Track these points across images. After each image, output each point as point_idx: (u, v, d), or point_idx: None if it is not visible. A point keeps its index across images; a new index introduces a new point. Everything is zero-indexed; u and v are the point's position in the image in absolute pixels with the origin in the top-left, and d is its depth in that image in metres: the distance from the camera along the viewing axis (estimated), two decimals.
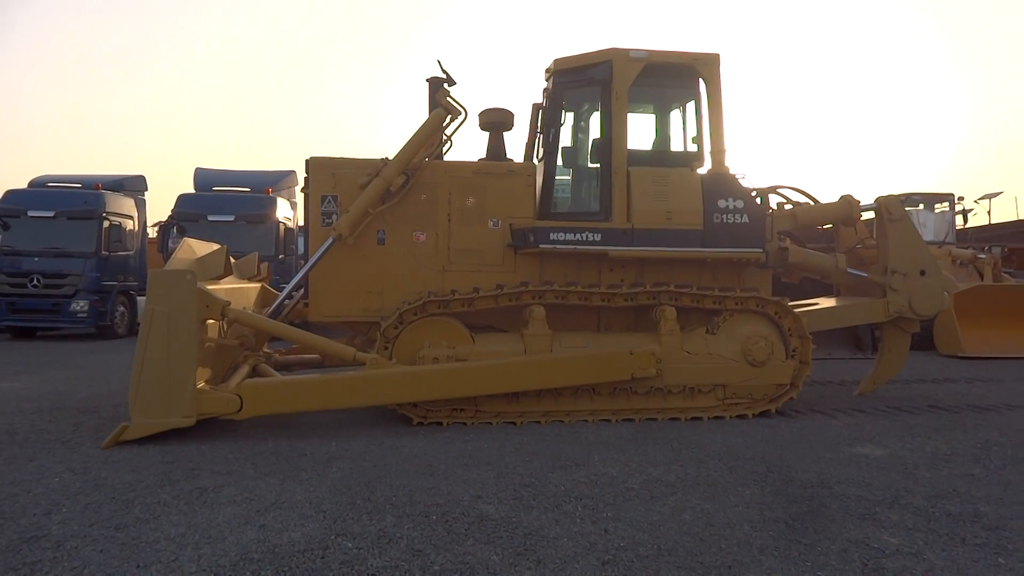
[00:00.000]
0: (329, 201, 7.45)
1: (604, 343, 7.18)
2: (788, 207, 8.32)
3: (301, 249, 17.98)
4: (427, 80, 7.86)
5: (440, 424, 6.87)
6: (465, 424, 6.90)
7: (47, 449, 5.88)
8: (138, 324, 16.90)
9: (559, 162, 7.83)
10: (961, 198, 16.58)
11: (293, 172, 18.50)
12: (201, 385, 6.16)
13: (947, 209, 16.47)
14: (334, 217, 7.41)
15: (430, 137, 7.40)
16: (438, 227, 7.57)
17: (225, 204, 16.15)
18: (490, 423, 6.92)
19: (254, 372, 7.46)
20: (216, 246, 7.88)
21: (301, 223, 19.11)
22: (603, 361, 6.93)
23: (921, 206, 16.25)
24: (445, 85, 7.60)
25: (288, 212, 17.31)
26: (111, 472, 5.19)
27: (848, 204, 8.25)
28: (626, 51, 7.56)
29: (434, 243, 7.56)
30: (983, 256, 14.47)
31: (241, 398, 6.17)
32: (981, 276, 14.33)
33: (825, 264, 8.26)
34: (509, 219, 7.62)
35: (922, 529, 4.18)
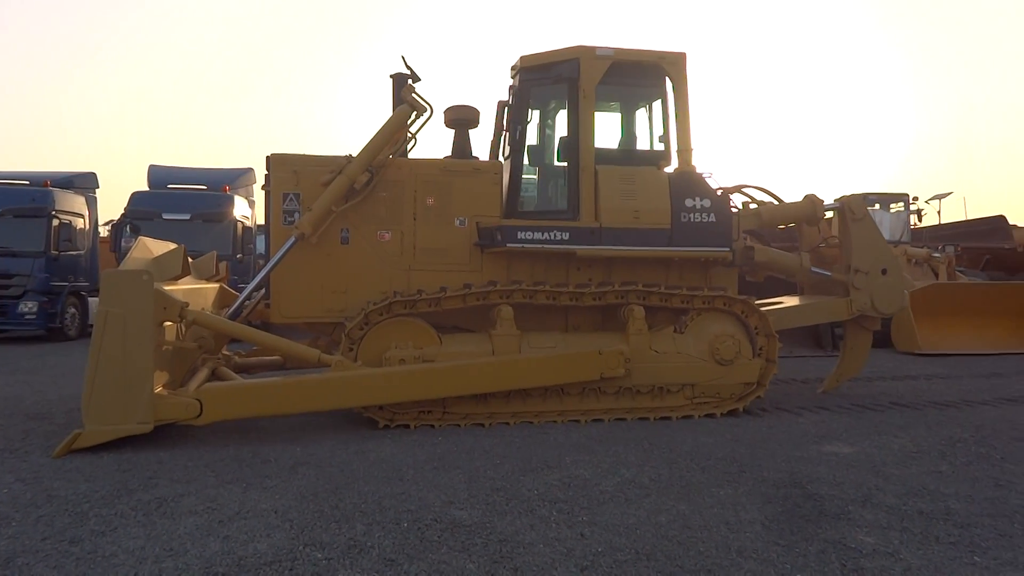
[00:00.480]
0: (291, 199, 7.26)
1: (572, 343, 7.12)
2: (753, 206, 8.34)
3: (260, 248, 17.68)
4: (391, 76, 7.71)
5: (407, 427, 6.73)
6: (433, 426, 6.77)
7: None
8: (90, 326, 16.61)
9: (525, 160, 7.74)
10: (915, 198, 16.94)
11: (251, 170, 18.13)
12: (159, 390, 5.94)
13: (902, 209, 16.79)
14: (296, 215, 7.21)
15: (395, 134, 7.25)
16: (403, 226, 7.42)
17: (181, 202, 15.73)
18: (458, 425, 6.81)
19: (213, 375, 7.22)
20: (172, 245, 7.64)
21: (260, 222, 18.79)
22: (572, 361, 6.86)
23: (877, 206, 16.53)
24: (410, 81, 7.47)
25: (246, 210, 16.95)
26: (64, 482, 4.96)
27: (812, 203, 8.31)
28: (592, 49, 7.50)
29: (399, 242, 7.42)
30: (937, 255, 14.77)
31: (201, 402, 5.96)
32: (936, 275, 14.62)
33: (790, 263, 8.31)
34: (475, 218, 7.51)
35: (896, 528, 4.18)
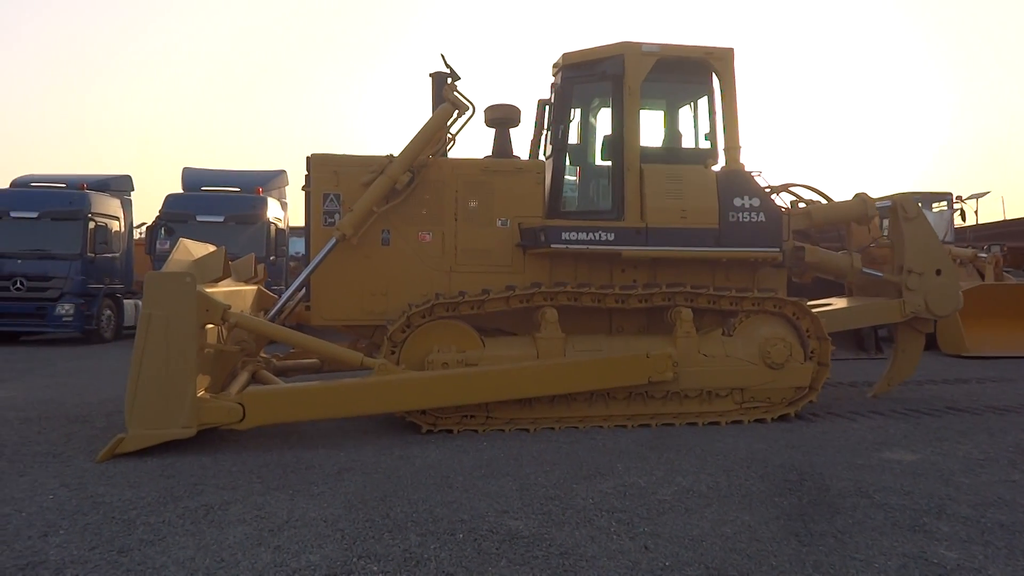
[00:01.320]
0: (331, 200, 7.16)
1: (618, 346, 6.94)
2: (801, 206, 8.11)
3: (292, 250, 17.69)
4: (430, 75, 7.59)
5: (450, 432, 6.59)
6: (476, 431, 6.62)
7: (38, 463, 5.55)
8: (126, 328, 16.72)
9: (568, 160, 7.59)
10: (959, 197, 16.51)
11: (283, 172, 18.14)
12: (201, 393, 5.85)
13: (945, 208, 16.37)
14: (336, 216, 7.11)
15: (436, 133, 7.12)
16: (444, 226, 7.30)
17: (214, 204, 15.76)
18: (502, 430, 6.66)
19: (253, 378, 7.16)
20: (212, 247, 7.58)
21: (291, 224, 18.82)
22: (619, 365, 6.68)
23: (919, 205, 16.09)
24: (449, 80, 7.34)
25: (279, 212, 16.95)
26: (109, 488, 4.88)
27: (863, 203, 8.06)
28: (638, 45, 7.32)
29: (440, 243, 7.29)
30: (984, 255, 14.36)
31: (244, 407, 5.87)
32: (982, 276, 14.21)
33: (840, 264, 8.05)
34: (518, 218, 7.36)
35: (978, 541, 3.96)
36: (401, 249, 7.21)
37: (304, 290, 7.35)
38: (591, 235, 7.03)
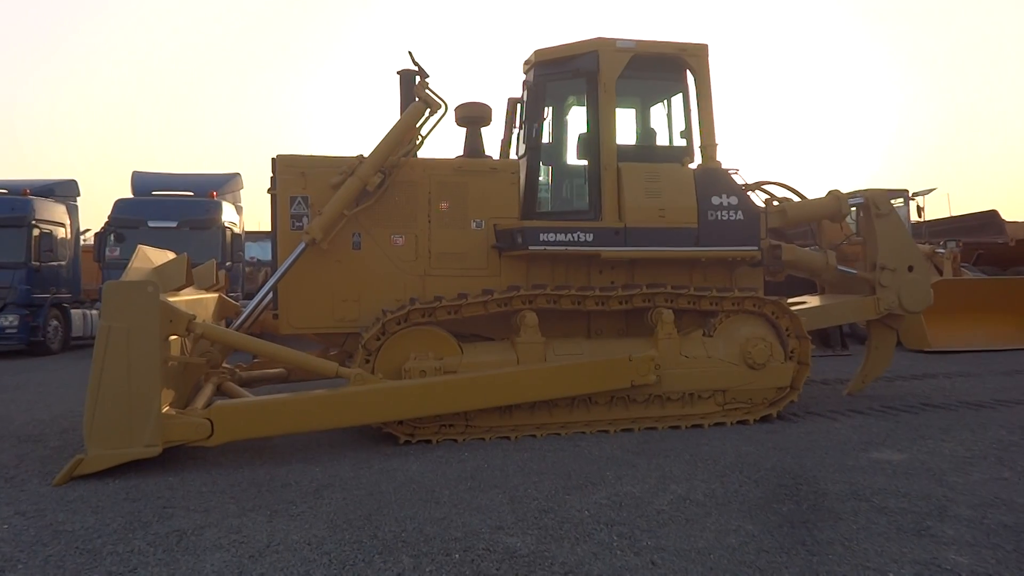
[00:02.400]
0: (299, 202, 6.86)
1: (599, 349, 6.77)
2: (775, 203, 8.05)
3: (247, 255, 17.19)
4: (398, 73, 7.34)
5: (429, 442, 6.35)
6: (456, 441, 6.40)
7: None
8: (73, 339, 16.04)
9: (542, 159, 7.40)
10: (915, 194, 16.77)
11: (238, 175, 17.61)
12: (166, 409, 5.51)
13: (902, 204, 16.60)
14: (305, 220, 6.82)
15: (407, 132, 6.87)
16: (417, 229, 7.05)
17: (167, 209, 15.19)
18: (483, 439, 6.44)
19: (218, 391, 6.83)
20: (171, 254, 7.23)
21: (248, 228, 18.31)
22: (602, 369, 6.51)
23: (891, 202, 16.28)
24: (418, 78, 7.09)
25: (234, 216, 16.43)
26: (70, 515, 4.53)
27: (836, 199, 8.04)
28: (612, 41, 7.18)
29: (413, 246, 7.04)
30: (941, 251, 14.60)
31: (212, 422, 5.55)
32: (940, 271, 14.43)
33: (816, 262, 8.03)
34: (493, 220, 7.16)
35: (985, 544, 3.88)
36: (373, 253, 6.94)
37: (270, 298, 7.03)
38: (569, 236, 6.85)
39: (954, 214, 26.62)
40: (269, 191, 6.99)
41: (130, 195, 16.00)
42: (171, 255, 7.33)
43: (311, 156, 6.96)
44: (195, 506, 4.68)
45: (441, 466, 5.62)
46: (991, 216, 20.25)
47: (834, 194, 8.10)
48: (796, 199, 8.17)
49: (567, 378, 6.45)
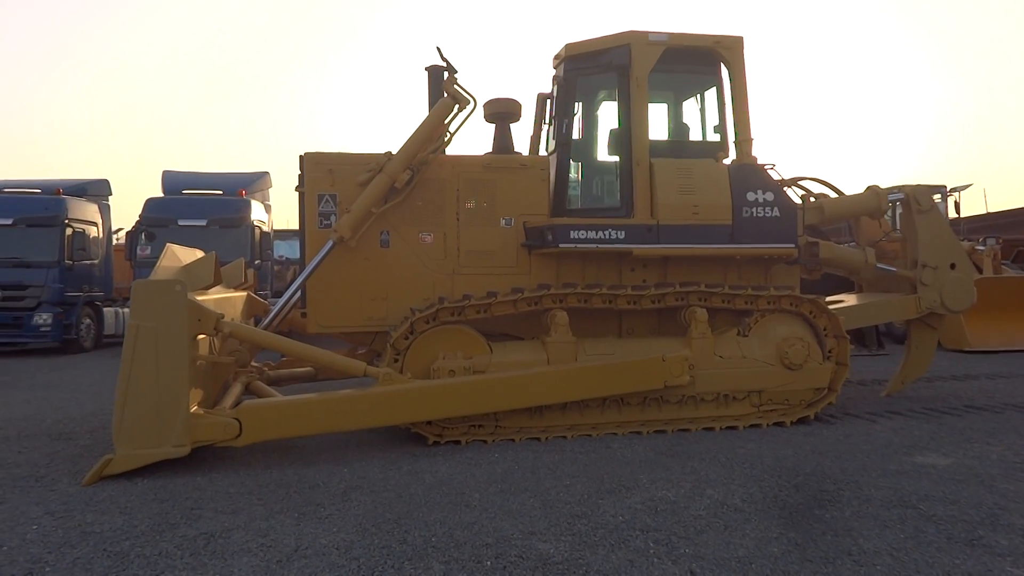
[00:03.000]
0: (327, 200, 6.80)
1: (631, 349, 6.63)
2: (811, 200, 7.84)
3: (276, 253, 17.24)
4: (426, 69, 7.23)
5: (458, 443, 6.26)
6: (485, 442, 6.29)
7: (19, 487, 5.15)
8: (105, 337, 16.20)
9: (572, 155, 7.27)
10: (953, 190, 16.37)
11: (267, 173, 17.69)
12: (194, 409, 5.47)
13: (940, 200, 16.21)
14: (333, 218, 6.76)
15: (437, 129, 6.77)
16: (446, 227, 6.96)
17: (196, 208, 15.28)
18: (512, 440, 6.33)
19: (247, 390, 6.79)
20: (200, 252, 7.20)
21: (276, 227, 18.38)
22: (635, 369, 6.37)
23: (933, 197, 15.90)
24: (447, 73, 6.99)
25: (262, 215, 16.49)
26: (98, 515, 4.49)
27: (876, 195, 7.81)
28: (645, 34, 7.03)
29: (442, 244, 6.95)
30: (981, 248, 14.22)
31: (240, 422, 5.49)
32: (979, 269, 14.05)
33: (855, 259, 7.80)
34: (522, 217, 7.04)
35: None
36: (401, 251, 6.86)
37: (297, 296, 6.97)
38: (600, 233, 6.71)
39: (990, 210, 26.07)
40: (297, 189, 6.94)
41: (160, 194, 16.10)
42: (200, 253, 7.31)
43: (339, 153, 6.90)
44: (223, 507, 4.62)
45: (471, 468, 5.52)
46: None
47: (873, 190, 7.87)
48: (833, 195, 7.97)
49: (599, 378, 6.32)
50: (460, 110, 6.80)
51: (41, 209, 15.13)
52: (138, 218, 15.18)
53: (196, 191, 16.10)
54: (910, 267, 7.85)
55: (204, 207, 15.31)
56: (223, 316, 5.67)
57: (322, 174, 6.79)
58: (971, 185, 19.62)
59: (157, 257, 14.73)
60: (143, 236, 14.90)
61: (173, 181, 16.32)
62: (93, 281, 16.23)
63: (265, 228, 16.42)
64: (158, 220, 14.99)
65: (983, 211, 25.80)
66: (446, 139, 6.90)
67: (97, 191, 16.97)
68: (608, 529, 4.14)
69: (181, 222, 14.90)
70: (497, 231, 7.02)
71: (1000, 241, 15.49)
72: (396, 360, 6.26)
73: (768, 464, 5.49)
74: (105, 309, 16.58)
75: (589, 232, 6.70)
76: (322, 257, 6.47)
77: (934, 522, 4.20)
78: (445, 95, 6.79)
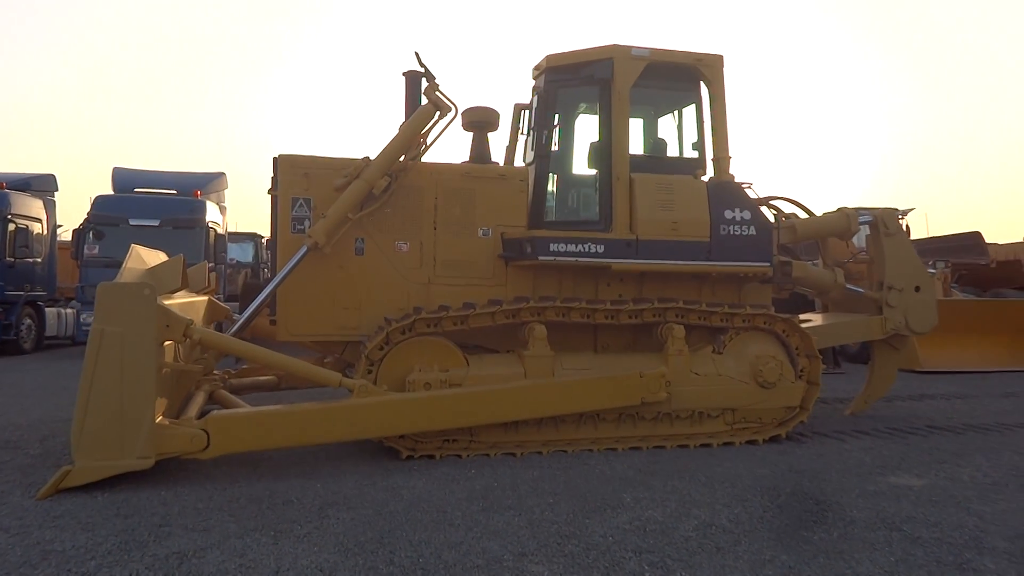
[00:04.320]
0: (301, 204, 6.60)
1: (608, 365, 6.57)
2: (784, 219, 7.92)
3: (230, 256, 16.80)
4: (404, 74, 7.08)
5: (432, 457, 6.10)
6: (460, 456, 6.15)
7: None
8: (46, 338, 15.53)
9: (551, 167, 7.20)
10: (905, 212, 16.79)
11: (223, 174, 17.22)
12: (159, 419, 5.22)
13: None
14: (307, 223, 6.56)
15: (416, 135, 6.63)
16: (423, 235, 6.82)
17: (149, 207, 14.77)
18: (487, 455, 6.21)
19: (210, 399, 6.54)
20: (162, 255, 6.94)
21: (231, 229, 17.91)
22: (613, 385, 6.31)
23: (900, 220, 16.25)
24: (424, 80, 6.86)
25: (217, 216, 16.04)
26: (57, 532, 4.23)
27: (846, 217, 7.92)
28: (627, 48, 7.01)
29: (418, 253, 6.80)
30: (932, 271, 14.59)
31: (208, 433, 5.25)
32: None
33: (824, 280, 7.90)
34: (500, 228, 6.94)
35: None
36: (376, 259, 6.69)
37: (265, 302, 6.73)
38: (580, 247, 6.65)
39: (931, 235, 26.89)
40: (270, 192, 6.72)
41: (110, 191, 15.54)
42: (163, 255, 7.03)
43: (314, 157, 6.71)
44: (193, 524, 4.40)
45: (448, 484, 5.37)
46: (974, 237, 20.37)
47: (844, 211, 7.98)
48: (803, 215, 8.06)
49: (578, 394, 6.24)
50: (441, 117, 6.67)
51: None
52: (87, 216, 14.61)
53: (149, 189, 15.57)
54: (876, 288, 7.98)
55: (157, 206, 14.82)
56: (192, 322, 5.43)
57: (297, 177, 6.59)
58: (914, 209, 20.20)
59: (106, 257, 14.27)
60: (91, 234, 14.35)
61: (124, 178, 15.75)
62: (35, 280, 15.57)
63: (220, 230, 15.98)
64: (108, 218, 14.46)
65: (924, 235, 26.62)
66: (425, 146, 6.77)
67: (42, 186, 16.30)
68: (600, 550, 4.05)
69: (133, 221, 14.40)
70: (474, 241, 6.90)
71: (949, 264, 15.96)
72: (370, 371, 6.09)
73: (748, 483, 5.47)
74: (47, 309, 15.93)
75: (568, 245, 6.63)
76: (295, 263, 6.26)
77: (921, 545, 4.21)
78: (426, 101, 6.65)
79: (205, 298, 7.71)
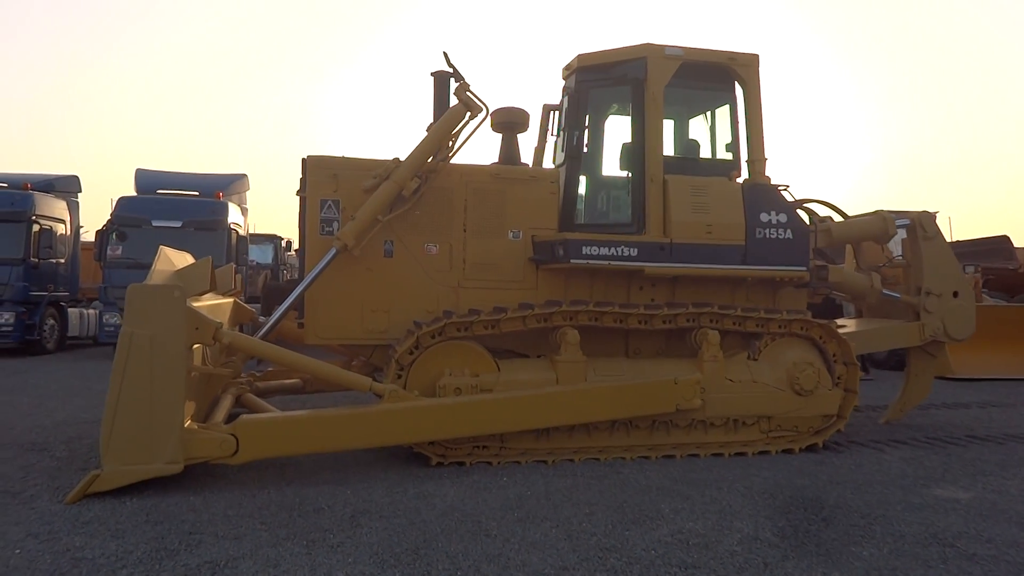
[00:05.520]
0: (329, 206, 6.50)
1: (641, 370, 6.43)
2: (819, 222, 7.73)
3: (251, 258, 16.78)
4: (432, 75, 6.98)
5: (462, 464, 5.98)
6: (490, 463, 6.03)
7: None
8: (68, 339, 15.56)
9: (582, 168, 7.07)
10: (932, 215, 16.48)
11: (244, 176, 17.22)
12: (188, 424, 5.13)
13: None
14: (335, 225, 6.46)
15: (447, 136, 6.52)
16: (452, 238, 6.70)
17: (172, 208, 14.75)
18: (518, 462, 6.08)
19: (237, 402, 6.46)
20: (189, 256, 6.87)
21: (252, 231, 17.90)
22: (647, 392, 6.17)
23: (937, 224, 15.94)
24: (452, 80, 6.76)
25: (239, 218, 16.02)
26: (86, 538, 4.15)
27: (883, 220, 7.72)
28: (661, 47, 6.86)
29: (447, 256, 6.69)
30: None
31: (237, 438, 5.16)
32: None
33: (861, 284, 7.71)
34: (531, 230, 6.82)
35: None
36: (405, 262, 6.59)
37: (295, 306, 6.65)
38: (613, 250, 6.51)
39: (956, 239, 26.49)
40: (298, 193, 6.63)
41: (133, 193, 15.54)
42: (189, 258, 6.98)
43: (343, 158, 6.61)
44: (224, 532, 4.30)
45: (481, 492, 5.25)
46: (1002, 241, 20.01)
47: (881, 214, 7.79)
48: (838, 218, 7.88)
49: (612, 400, 6.10)
50: (472, 118, 6.56)
51: (7, 204, 14.51)
52: (109, 217, 14.62)
53: (171, 191, 15.57)
54: (913, 294, 7.79)
55: (180, 208, 14.81)
56: (221, 325, 5.34)
57: (325, 179, 6.50)
58: (938, 212, 19.88)
59: (129, 258, 14.28)
60: (115, 236, 14.36)
61: (147, 180, 15.76)
62: (58, 280, 15.63)
63: (241, 232, 15.96)
64: (131, 220, 14.45)
65: (950, 239, 26.20)
66: (455, 147, 6.66)
67: (66, 187, 16.37)
68: (643, 564, 3.91)
69: (155, 222, 14.38)
70: (504, 244, 6.78)
71: (979, 269, 15.66)
72: (399, 376, 5.98)
73: (789, 495, 5.32)
74: (69, 310, 15.98)
75: (601, 248, 6.49)
76: (324, 265, 6.16)
77: (977, 563, 4.05)
78: (456, 102, 6.54)
79: (231, 300, 7.65)
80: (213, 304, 6.46)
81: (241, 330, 7.61)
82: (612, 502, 5.05)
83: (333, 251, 6.19)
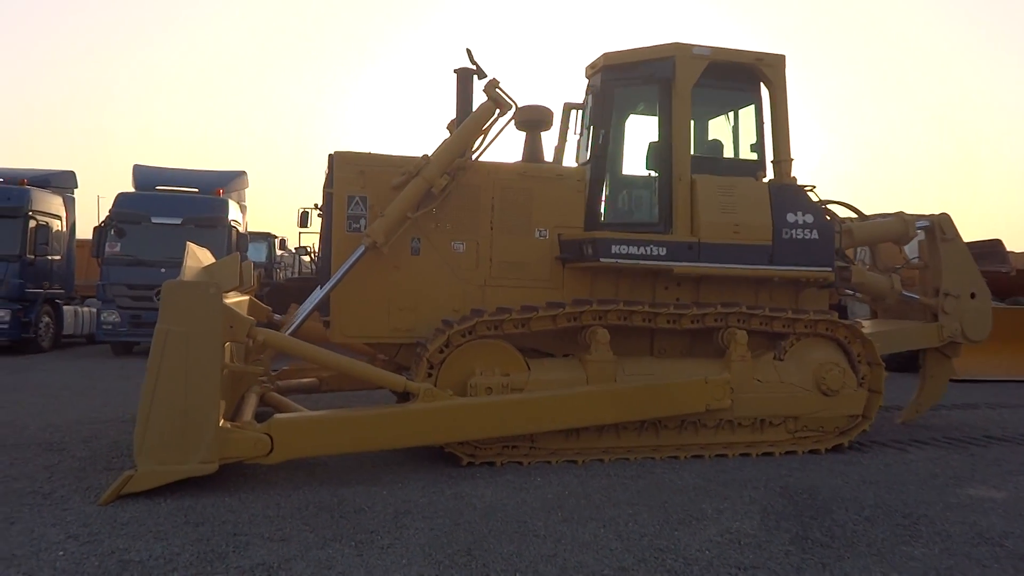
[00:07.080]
0: (357, 203, 6.42)
1: (670, 370, 6.40)
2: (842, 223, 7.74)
3: (248, 255, 16.61)
4: (455, 71, 6.91)
5: (492, 463, 5.93)
6: (520, 463, 5.98)
7: (27, 505, 4.66)
8: (64, 337, 15.32)
9: (608, 167, 7.03)
10: None
11: (244, 173, 17.05)
12: (222, 423, 5.04)
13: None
14: (362, 222, 6.38)
15: (476, 133, 6.46)
16: (479, 236, 6.64)
17: (171, 205, 14.57)
18: (548, 462, 6.03)
19: (261, 401, 6.37)
20: (209, 253, 6.77)
21: (251, 228, 17.73)
22: (677, 391, 6.14)
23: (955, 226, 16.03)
24: (476, 77, 6.70)
25: (238, 215, 15.84)
26: (130, 540, 4.05)
27: (904, 222, 7.75)
28: (689, 47, 6.84)
29: (474, 254, 6.63)
30: None
31: (272, 438, 5.07)
32: None
33: (881, 285, 7.72)
34: (557, 229, 6.77)
35: None
36: (432, 260, 6.52)
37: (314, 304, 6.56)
38: (642, 249, 6.47)
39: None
40: (325, 189, 6.55)
41: (131, 189, 15.34)
42: (209, 254, 6.87)
43: (371, 154, 6.54)
44: (269, 534, 4.22)
45: (517, 492, 5.20)
46: (995, 245, 20.19)
47: (901, 216, 7.82)
48: (857, 219, 7.90)
49: (644, 400, 6.07)
50: (501, 114, 6.50)
51: (3, 199, 14.26)
52: (108, 213, 14.42)
53: (170, 188, 15.38)
54: (931, 295, 7.82)
55: (180, 205, 14.62)
56: (254, 322, 5.26)
57: (353, 175, 6.41)
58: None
59: (127, 255, 14.09)
60: (113, 232, 14.16)
61: (146, 176, 15.56)
62: (54, 278, 15.38)
63: (241, 229, 15.80)
64: (130, 216, 14.24)
65: None
66: (483, 145, 6.59)
67: (62, 183, 16.13)
68: (701, 565, 3.88)
69: (155, 219, 14.19)
70: (531, 242, 6.73)
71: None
72: (429, 374, 5.91)
73: (827, 495, 5.30)
74: (65, 308, 15.74)
75: (630, 247, 6.45)
76: (353, 262, 6.08)
77: None
78: (485, 99, 6.48)
79: (247, 297, 7.54)
80: (234, 302, 6.36)
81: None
82: (653, 502, 5.01)
83: (362, 248, 6.11)
